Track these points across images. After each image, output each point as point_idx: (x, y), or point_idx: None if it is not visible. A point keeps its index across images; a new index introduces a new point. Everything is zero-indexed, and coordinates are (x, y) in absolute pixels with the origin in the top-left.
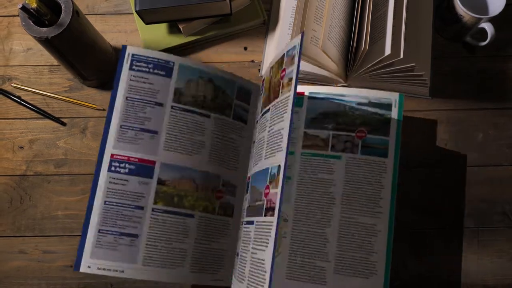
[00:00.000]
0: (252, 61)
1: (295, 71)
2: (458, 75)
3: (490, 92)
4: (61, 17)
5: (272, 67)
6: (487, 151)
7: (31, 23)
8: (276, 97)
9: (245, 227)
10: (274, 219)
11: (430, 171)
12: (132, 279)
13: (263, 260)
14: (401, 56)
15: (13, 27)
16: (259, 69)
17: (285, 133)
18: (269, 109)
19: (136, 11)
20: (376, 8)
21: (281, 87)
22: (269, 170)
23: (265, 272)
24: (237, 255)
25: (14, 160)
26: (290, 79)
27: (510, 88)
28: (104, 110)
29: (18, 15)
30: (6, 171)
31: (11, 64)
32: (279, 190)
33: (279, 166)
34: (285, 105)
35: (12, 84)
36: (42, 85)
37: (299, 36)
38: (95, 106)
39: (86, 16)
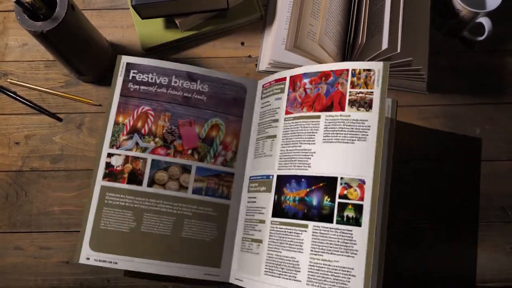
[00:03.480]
0: (249, 56)
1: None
2: (455, 70)
3: (488, 87)
4: (56, 11)
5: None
6: (484, 146)
7: (26, 17)
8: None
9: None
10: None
11: (427, 166)
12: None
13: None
14: (398, 51)
15: (9, 22)
16: (256, 64)
17: None
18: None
19: (132, 6)
20: (373, 2)
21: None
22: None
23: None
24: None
25: (10, 156)
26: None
27: (508, 83)
28: (100, 105)
29: (13, 10)
30: (2, 167)
31: (6, 60)
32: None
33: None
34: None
35: (8, 80)
36: (38, 81)
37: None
38: (92, 101)
39: (82, 11)
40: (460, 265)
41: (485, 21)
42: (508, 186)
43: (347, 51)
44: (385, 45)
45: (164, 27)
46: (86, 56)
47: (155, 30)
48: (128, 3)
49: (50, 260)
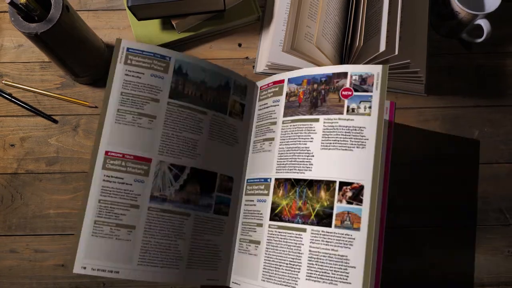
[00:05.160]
0: (247, 57)
1: None
2: (454, 72)
3: (486, 89)
4: (50, 12)
5: None
6: (483, 148)
7: (20, 18)
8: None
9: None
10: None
11: (425, 169)
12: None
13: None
14: (396, 53)
15: (4, 23)
16: (253, 66)
17: None
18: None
19: (128, 7)
20: (371, 4)
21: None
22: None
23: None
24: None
25: (5, 158)
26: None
27: (506, 85)
28: (96, 107)
29: (8, 11)
30: None
31: (2, 61)
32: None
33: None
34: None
35: (3, 81)
36: (34, 82)
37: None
38: (87, 103)
39: (78, 12)
40: (458, 268)
41: (484, 23)
42: (507, 189)
43: (344, 53)
44: (382, 47)
45: (160, 29)
46: (81, 57)
47: (151, 31)
48: (124, 4)
49: (45, 263)
